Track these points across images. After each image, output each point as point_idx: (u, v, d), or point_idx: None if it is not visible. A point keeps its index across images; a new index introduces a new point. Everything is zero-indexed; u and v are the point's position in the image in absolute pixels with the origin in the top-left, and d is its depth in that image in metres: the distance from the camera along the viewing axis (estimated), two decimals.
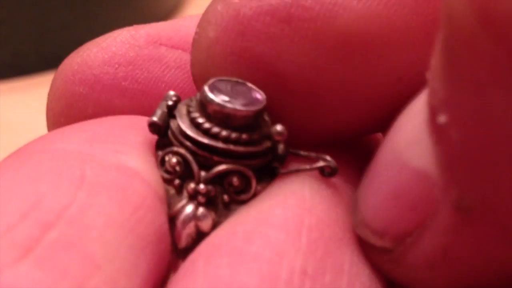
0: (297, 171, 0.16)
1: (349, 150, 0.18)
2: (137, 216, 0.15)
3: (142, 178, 0.15)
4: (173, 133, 0.16)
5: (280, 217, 0.15)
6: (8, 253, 0.13)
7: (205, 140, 0.16)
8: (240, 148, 0.16)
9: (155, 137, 0.17)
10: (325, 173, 0.16)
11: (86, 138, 0.16)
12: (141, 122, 0.17)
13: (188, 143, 0.16)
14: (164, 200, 0.16)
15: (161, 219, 0.15)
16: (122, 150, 0.16)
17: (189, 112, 0.16)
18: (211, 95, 0.16)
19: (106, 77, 0.19)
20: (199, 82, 0.17)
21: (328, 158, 0.16)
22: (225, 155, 0.16)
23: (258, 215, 0.15)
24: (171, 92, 0.17)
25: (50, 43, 0.47)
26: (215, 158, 0.16)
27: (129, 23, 0.21)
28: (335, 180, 0.16)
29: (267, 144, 0.16)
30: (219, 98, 0.16)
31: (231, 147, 0.16)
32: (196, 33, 0.17)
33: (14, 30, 0.46)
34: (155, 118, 0.16)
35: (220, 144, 0.16)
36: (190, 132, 0.16)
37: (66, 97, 0.19)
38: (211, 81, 0.16)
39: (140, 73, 0.19)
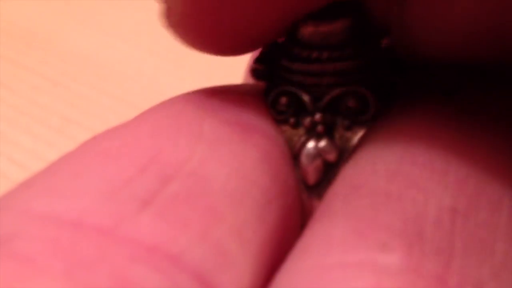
0: (420, 86, 0.15)
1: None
2: (261, 169, 0.14)
3: (263, 132, 0.15)
4: (276, 73, 0.16)
5: (424, 155, 0.14)
6: (128, 205, 0.12)
7: (309, 66, 0.15)
8: (347, 64, 0.15)
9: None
10: (443, 92, 0.15)
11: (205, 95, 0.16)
12: None
13: (293, 77, 0.15)
14: (286, 154, 0.15)
15: (285, 172, 0.15)
16: (241, 107, 0.15)
17: (287, 46, 0.16)
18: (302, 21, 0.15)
19: None
20: None
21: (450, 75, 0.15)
22: (335, 75, 0.15)
23: (400, 153, 0.14)
24: None
25: None
26: (325, 80, 0.15)
27: None
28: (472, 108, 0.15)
29: (378, 54, 0.15)
30: (310, 22, 0.15)
31: (338, 65, 0.15)
32: None
33: None
34: (255, 64, 0.16)
35: (326, 66, 0.15)
36: (291, 64, 0.15)
37: None
38: None
39: None
